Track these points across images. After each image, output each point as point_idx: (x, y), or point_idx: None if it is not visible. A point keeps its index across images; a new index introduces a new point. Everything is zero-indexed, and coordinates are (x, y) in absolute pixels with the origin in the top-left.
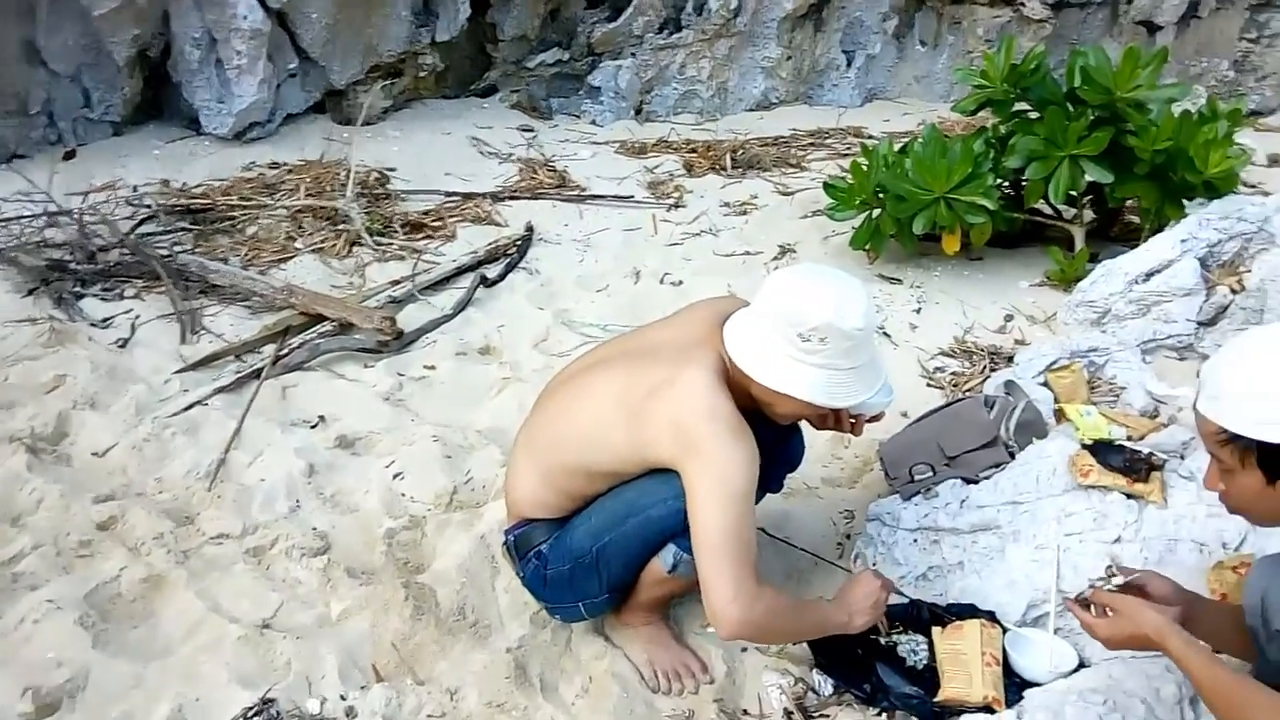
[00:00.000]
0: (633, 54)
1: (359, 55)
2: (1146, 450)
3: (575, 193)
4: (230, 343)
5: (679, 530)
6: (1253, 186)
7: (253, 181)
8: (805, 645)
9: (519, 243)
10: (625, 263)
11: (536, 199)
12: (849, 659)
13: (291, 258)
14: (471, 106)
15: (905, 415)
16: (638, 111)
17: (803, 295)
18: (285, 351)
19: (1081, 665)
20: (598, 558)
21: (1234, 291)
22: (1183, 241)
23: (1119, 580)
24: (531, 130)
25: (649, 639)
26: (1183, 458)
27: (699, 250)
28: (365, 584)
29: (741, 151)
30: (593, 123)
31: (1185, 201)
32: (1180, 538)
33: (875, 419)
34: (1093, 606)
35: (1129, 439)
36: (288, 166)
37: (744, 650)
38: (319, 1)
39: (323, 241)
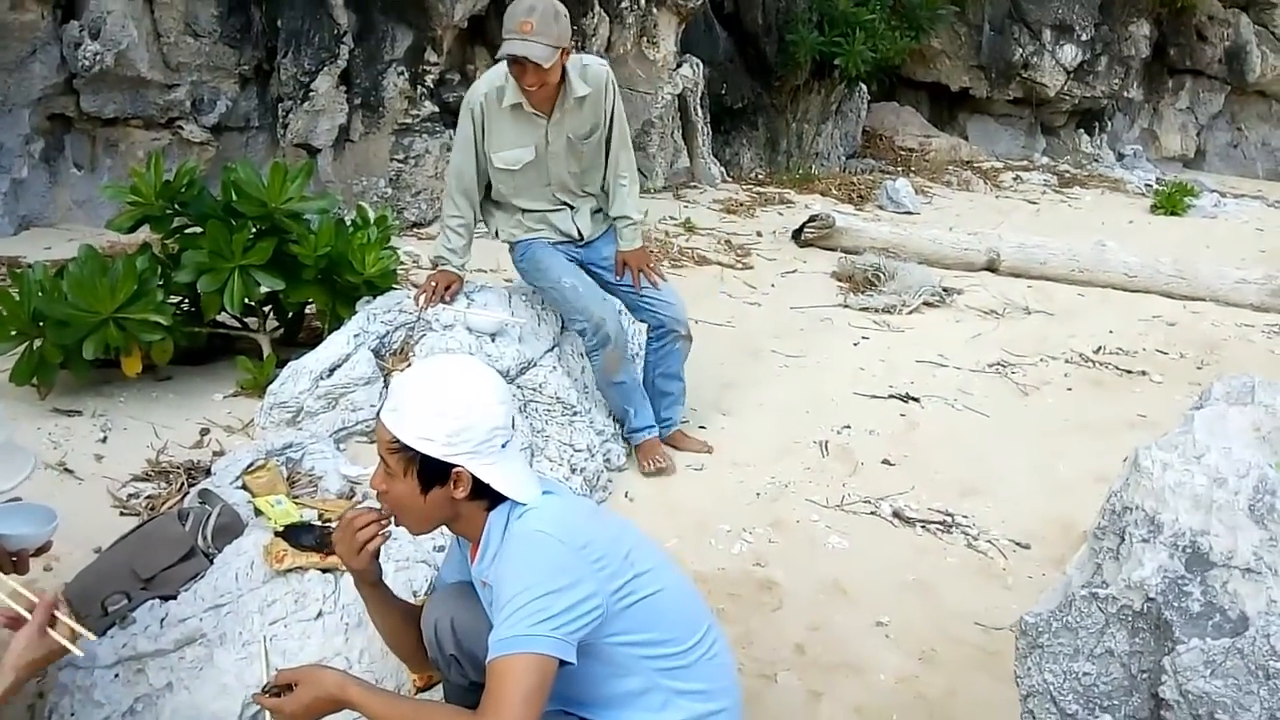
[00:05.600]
0: None
1: None
2: (335, 525)
3: None
4: None
5: None
6: (419, 287)
7: None
8: None
9: None
10: None
11: None
12: None
13: None
14: None
15: (99, 551)
16: None
17: None
18: None
19: None
20: None
21: None
22: (355, 336)
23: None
24: None
25: None
26: None
27: None
28: None
29: None
30: None
31: (356, 301)
32: None
33: (42, 551)
34: (282, 693)
35: (322, 519)
36: None
37: None
38: None
39: None
